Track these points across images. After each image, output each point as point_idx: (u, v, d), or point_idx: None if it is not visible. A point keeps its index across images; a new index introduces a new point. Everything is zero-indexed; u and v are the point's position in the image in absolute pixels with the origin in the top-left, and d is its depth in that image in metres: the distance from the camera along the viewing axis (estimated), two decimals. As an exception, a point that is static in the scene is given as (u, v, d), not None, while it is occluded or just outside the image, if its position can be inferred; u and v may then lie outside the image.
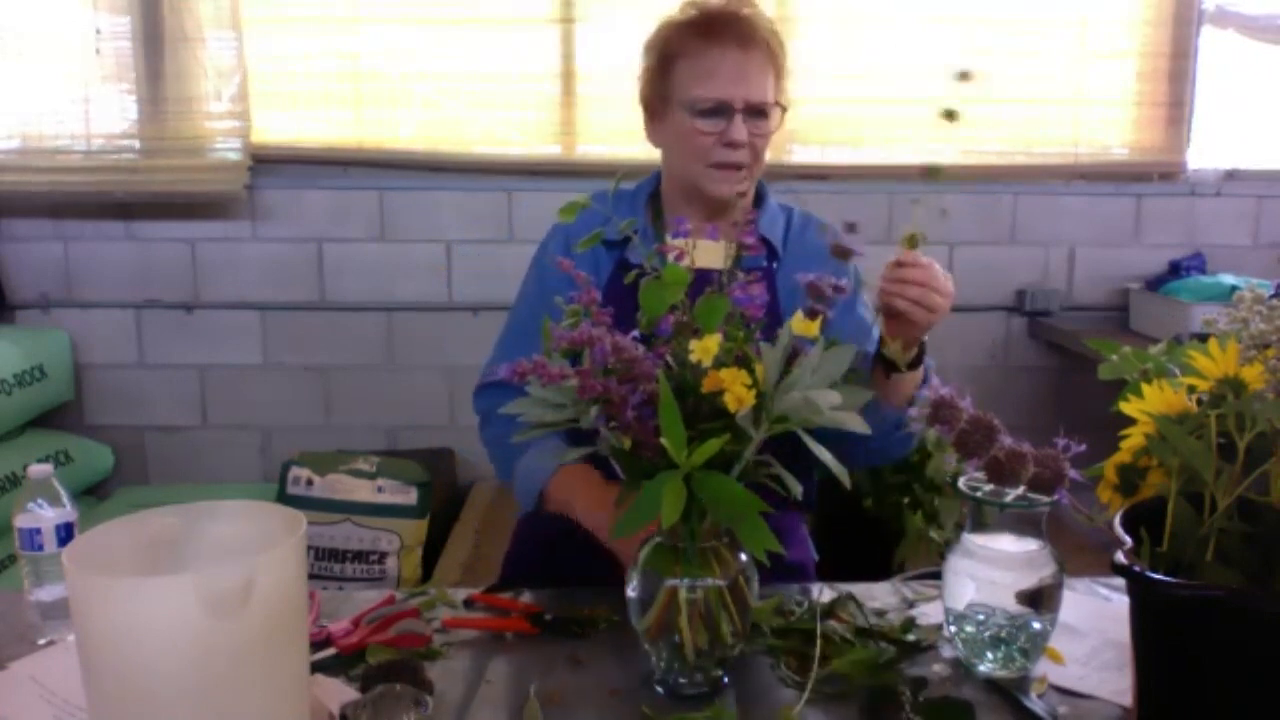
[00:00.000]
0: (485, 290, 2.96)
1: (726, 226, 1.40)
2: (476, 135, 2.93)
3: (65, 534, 1.19)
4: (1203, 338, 0.98)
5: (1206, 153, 3.07)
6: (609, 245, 1.51)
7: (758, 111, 1.42)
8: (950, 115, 1.04)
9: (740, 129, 1.41)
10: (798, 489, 1.03)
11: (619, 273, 1.50)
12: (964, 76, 1.04)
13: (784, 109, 1.49)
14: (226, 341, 3.02)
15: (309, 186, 2.96)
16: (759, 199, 1.56)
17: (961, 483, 1.11)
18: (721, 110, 1.41)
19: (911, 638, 1.18)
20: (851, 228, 1.08)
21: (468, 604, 1.29)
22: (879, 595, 1.32)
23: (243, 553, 0.90)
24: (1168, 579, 0.87)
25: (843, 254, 1.08)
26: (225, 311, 3.00)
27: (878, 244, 1.14)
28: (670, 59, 1.46)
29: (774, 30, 1.47)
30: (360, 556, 2.58)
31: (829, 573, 1.42)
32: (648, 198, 1.56)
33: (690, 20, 1.46)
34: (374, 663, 1.12)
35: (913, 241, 1.12)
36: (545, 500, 1.43)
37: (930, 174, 1.08)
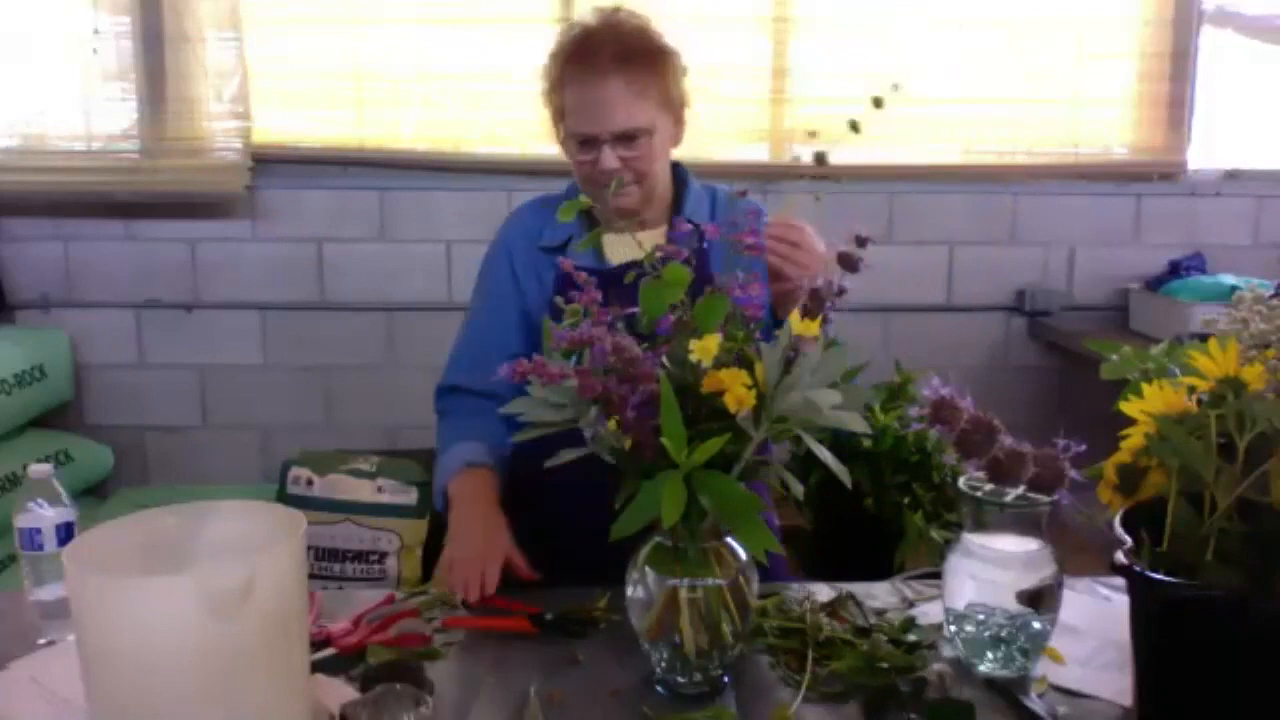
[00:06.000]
0: (485, 290, 2.96)
1: (652, 218, 1.52)
2: (476, 135, 2.93)
3: (65, 534, 1.19)
4: (1203, 338, 0.98)
5: (1206, 153, 3.07)
6: (549, 252, 1.56)
7: (627, 136, 1.45)
8: (877, 103, 1.07)
9: (609, 158, 1.45)
10: (798, 489, 1.03)
11: (561, 279, 1.52)
12: (877, 104, 1.07)
13: (674, 123, 1.52)
14: (226, 341, 3.02)
15: (309, 186, 2.96)
16: (681, 185, 1.60)
17: (961, 483, 1.11)
18: (591, 141, 1.46)
19: (911, 638, 1.18)
20: (861, 242, 1.08)
21: (466, 604, 1.29)
22: (879, 595, 1.32)
23: (243, 553, 0.90)
24: (1168, 579, 0.87)
25: (849, 265, 1.08)
26: (225, 311, 3.00)
27: (878, 244, 1.13)
28: (560, 87, 1.50)
29: (643, 44, 1.47)
30: (360, 556, 2.57)
31: (829, 573, 1.42)
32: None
33: (566, 47, 1.49)
34: (374, 663, 1.12)
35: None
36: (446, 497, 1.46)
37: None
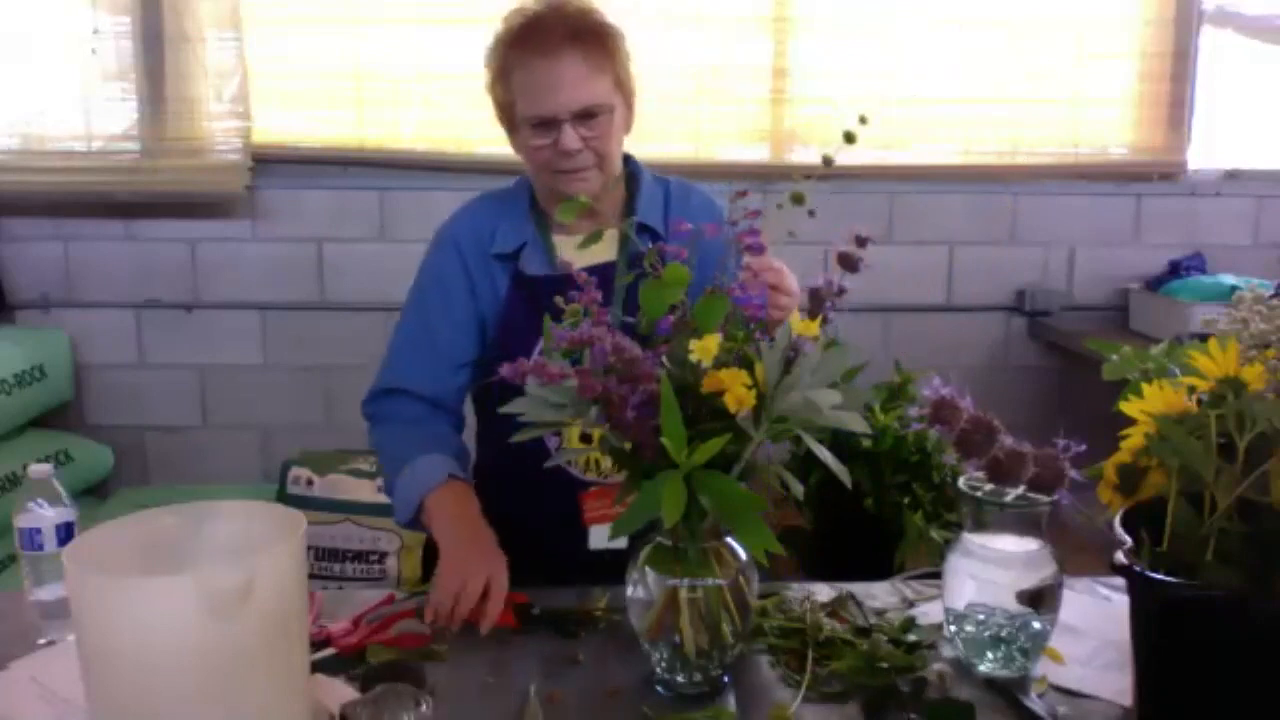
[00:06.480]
0: (485, 290, 2.95)
1: (607, 215, 1.45)
2: (477, 135, 2.92)
3: (65, 534, 1.19)
4: (1203, 338, 0.98)
5: (1206, 153, 3.07)
6: (501, 259, 1.50)
7: (587, 114, 1.41)
8: (849, 138, 1.06)
9: (570, 137, 1.40)
10: (798, 489, 1.03)
11: (515, 287, 1.49)
12: (849, 139, 1.07)
13: (626, 105, 1.47)
14: (226, 341, 3.02)
15: (309, 186, 2.96)
16: (634, 181, 1.55)
17: (961, 483, 1.11)
18: (549, 123, 1.41)
19: (911, 638, 1.18)
20: (861, 243, 1.08)
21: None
22: (879, 595, 1.32)
23: (243, 553, 0.90)
24: (1168, 579, 0.87)
25: (850, 265, 1.08)
26: (225, 311, 3.00)
27: (878, 244, 1.14)
28: (506, 75, 1.45)
29: (592, 22, 1.43)
30: (360, 556, 2.58)
31: (829, 573, 1.42)
32: (529, 206, 1.54)
33: (511, 34, 1.45)
34: (374, 663, 1.12)
35: (799, 199, 1.10)
36: (421, 510, 1.40)
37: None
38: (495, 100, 1.50)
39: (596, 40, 1.41)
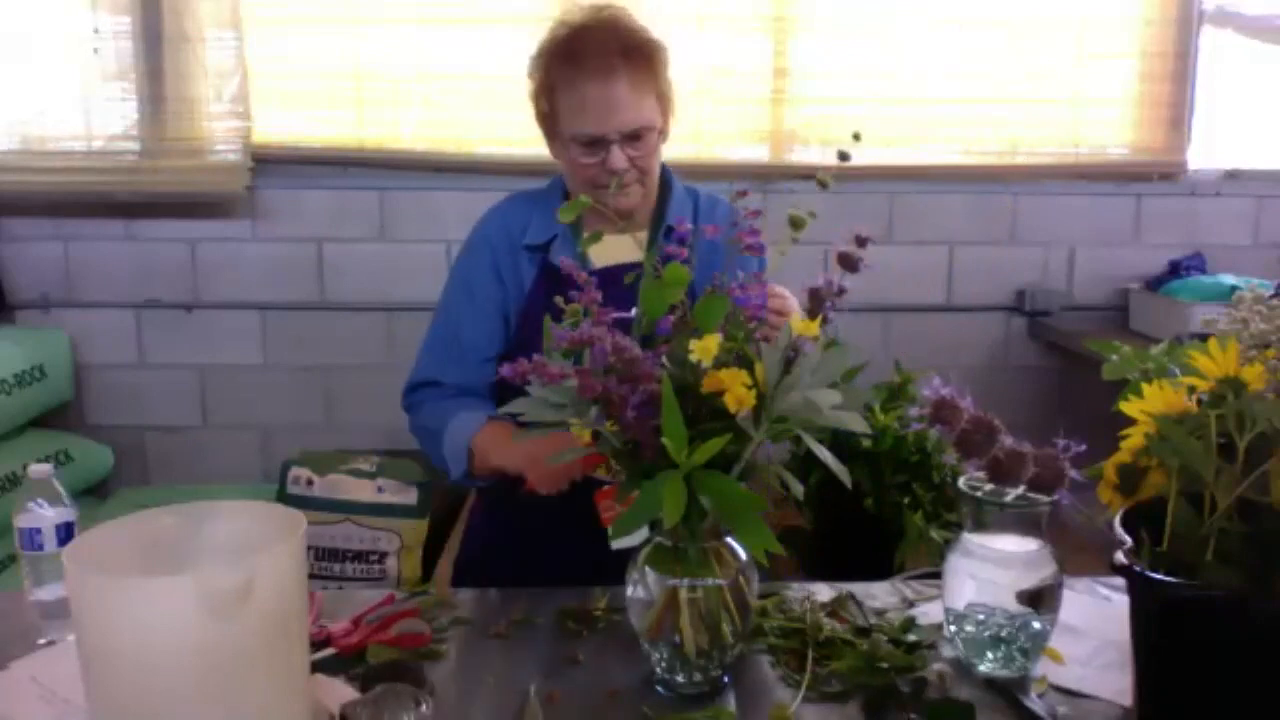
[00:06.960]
0: (485, 290, 2.95)
1: (639, 218, 1.51)
2: (478, 135, 2.92)
3: (65, 534, 1.19)
4: (1203, 338, 0.98)
5: (1206, 153, 3.06)
6: (530, 250, 1.54)
7: (635, 135, 1.44)
8: (843, 156, 1.09)
9: (618, 157, 1.44)
10: (798, 489, 1.03)
11: (543, 278, 1.52)
12: (843, 157, 1.08)
13: (665, 118, 1.51)
14: (226, 341, 3.02)
15: (309, 186, 2.96)
16: (665, 187, 1.58)
17: (961, 483, 1.11)
18: (598, 142, 1.44)
19: (911, 638, 1.18)
20: (861, 243, 1.08)
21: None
22: (879, 595, 1.32)
23: (243, 553, 0.90)
24: (1168, 579, 0.87)
25: (850, 265, 1.08)
26: (225, 311, 3.00)
27: (878, 244, 1.13)
28: (551, 89, 1.47)
29: (641, 40, 1.45)
30: (360, 556, 2.57)
31: (829, 573, 1.42)
32: (561, 202, 1.56)
33: (558, 48, 1.46)
34: (374, 663, 1.12)
35: (799, 223, 1.11)
36: (471, 457, 1.45)
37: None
38: (537, 110, 1.52)
39: (644, 58, 1.44)
